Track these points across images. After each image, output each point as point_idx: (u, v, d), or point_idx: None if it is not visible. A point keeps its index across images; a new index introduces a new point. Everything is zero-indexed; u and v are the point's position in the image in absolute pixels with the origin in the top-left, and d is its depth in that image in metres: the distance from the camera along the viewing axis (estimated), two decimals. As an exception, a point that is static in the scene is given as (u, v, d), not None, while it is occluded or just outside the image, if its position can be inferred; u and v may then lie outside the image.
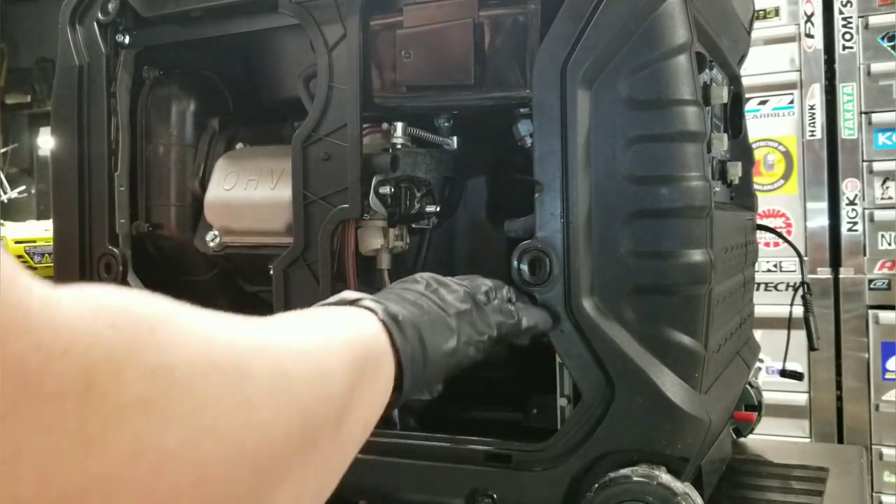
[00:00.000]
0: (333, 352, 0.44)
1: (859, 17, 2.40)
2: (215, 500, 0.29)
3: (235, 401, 0.32)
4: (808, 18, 2.46)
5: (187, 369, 0.29)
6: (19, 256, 3.56)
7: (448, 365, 0.63)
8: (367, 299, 0.57)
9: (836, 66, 2.44)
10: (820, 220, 2.46)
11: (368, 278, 0.89)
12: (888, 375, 2.36)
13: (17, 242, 3.59)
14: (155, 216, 1.02)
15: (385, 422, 0.53)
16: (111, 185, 0.99)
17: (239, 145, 1.03)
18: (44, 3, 4.61)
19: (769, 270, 2.42)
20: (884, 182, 2.40)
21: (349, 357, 0.46)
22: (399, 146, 0.89)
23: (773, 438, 1.45)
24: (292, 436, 0.36)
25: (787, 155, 2.51)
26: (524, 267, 0.78)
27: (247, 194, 0.94)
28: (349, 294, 0.58)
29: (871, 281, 2.38)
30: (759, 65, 2.39)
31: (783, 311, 1.23)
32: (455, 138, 0.97)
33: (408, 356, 0.56)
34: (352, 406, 0.44)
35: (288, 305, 0.87)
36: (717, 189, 0.95)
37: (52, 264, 1.03)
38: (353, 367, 0.46)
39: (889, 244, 2.39)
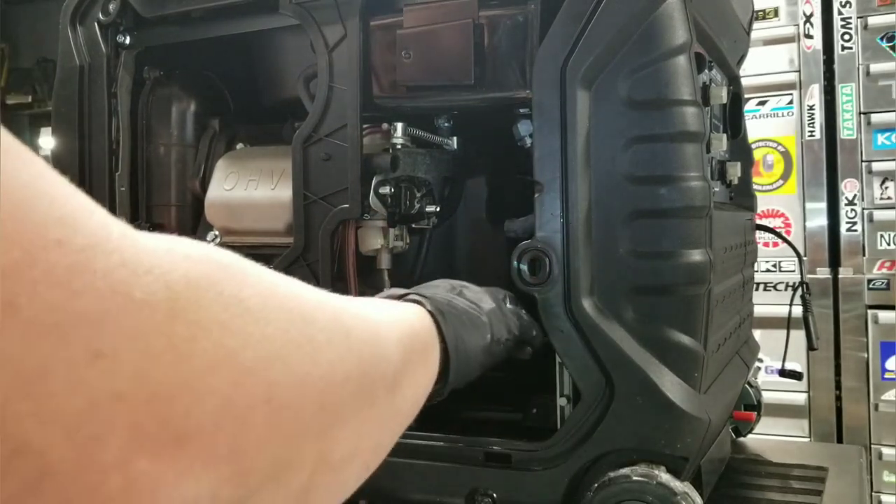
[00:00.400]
0: (385, 325, 0.47)
1: (858, 17, 2.41)
2: (282, 422, 0.31)
3: (301, 336, 0.34)
4: (808, 19, 2.46)
5: (258, 303, 0.31)
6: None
7: (482, 361, 0.67)
8: (415, 294, 0.61)
9: (836, 66, 2.44)
10: (819, 220, 2.46)
11: (368, 278, 0.89)
12: (887, 375, 2.36)
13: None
14: (156, 216, 1.02)
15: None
16: (112, 186, 0.99)
17: (239, 145, 1.03)
18: (44, 4, 4.60)
19: (768, 270, 2.42)
20: (883, 182, 2.40)
21: (399, 335, 0.48)
22: (399, 146, 0.89)
23: (772, 438, 1.45)
24: (351, 381, 0.38)
25: (786, 155, 2.51)
26: (524, 267, 0.78)
27: (247, 194, 0.94)
28: (397, 290, 0.62)
29: (870, 281, 2.39)
30: (758, 65, 2.40)
31: (782, 310, 1.24)
32: (455, 138, 0.97)
33: (453, 348, 0.59)
34: (404, 377, 0.46)
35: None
36: (717, 189, 0.95)
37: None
38: (403, 343, 0.48)
39: (888, 244, 2.39)
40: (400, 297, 0.60)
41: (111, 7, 0.98)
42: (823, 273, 2.43)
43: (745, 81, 1.20)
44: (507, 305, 0.76)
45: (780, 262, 2.43)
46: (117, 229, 0.27)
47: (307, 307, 0.36)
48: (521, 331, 0.75)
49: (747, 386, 1.20)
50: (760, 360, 1.25)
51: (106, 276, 0.25)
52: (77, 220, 0.25)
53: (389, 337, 0.46)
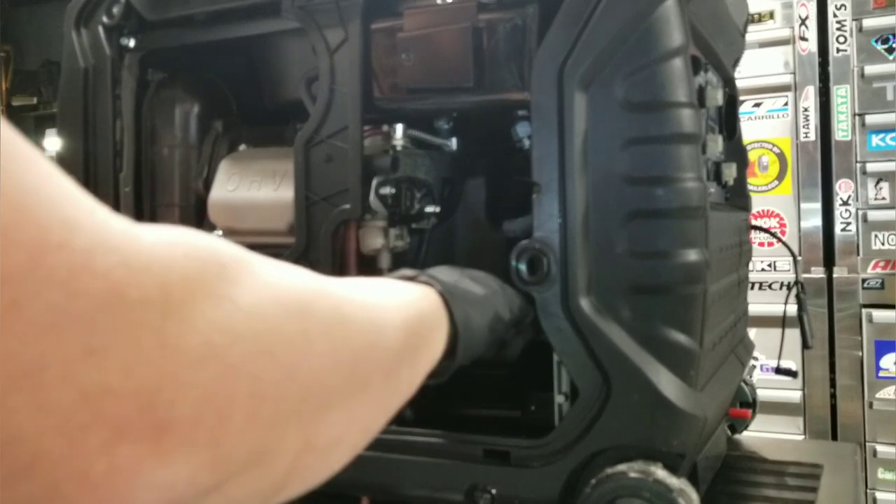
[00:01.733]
0: (390, 311, 0.49)
1: (853, 19, 2.42)
2: (264, 413, 0.33)
3: (294, 331, 0.36)
4: (803, 21, 2.48)
5: (252, 301, 0.33)
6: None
7: (488, 338, 0.70)
8: (425, 275, 0.63)
9: (830, 68, 2.45)
10: (814, 221, 2.48)
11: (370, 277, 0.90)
12: (882, 373, 2.38)
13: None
14: (159, 216, 1.03)
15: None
16: (116, 186, 0.99)
17: (242, 147, 1.04)
18: (49, 6, 4.61)
19: (764, 270, 2.44)
20: (877, 183, 2.42)
21: (403, 318, 0.51)
22: (399, 148, 0.90)
23: (767, 435, 1.46)
24: (342, 371, 0.39)
25: (781, 156, 2.53)
26: (522, 266, 0.79)
27: (250, 195, 0.95)
28: (408, 271, 0.64)
29: (864, 280, 2.40)
30: (753, 67, 2.41)
31: (777, 309, 1.25)
32: (454, 140, 0.98)
33: (462, 327, 0.62)
34: (404, 360, 0.49)
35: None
36: (713, 190, 0.96)
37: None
38: (406, 327, 0.50)
39: (882, 244, 2.41)
40: (411, 279, 0.63)
41: (115, 10, 0.98)
42: (818, 273, 2.44)
43: (740, 83, 1.21)
44: (508, 289, 0.78)
45: (775, 261, 2.45)
46: (118, 227, 0.29)
47: (306, 299, 0.37)
48: (521, 310, 0.78)
49: (743, 384, 1.21)
50: (756, 359, 1.26)
51: (104, 276, 0.27)
52: (78, 222, 0.27)
53: (392, 323, 0.48)
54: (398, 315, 0.50)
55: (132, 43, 1.00)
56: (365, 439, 0.45)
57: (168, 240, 0.31)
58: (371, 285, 0.52)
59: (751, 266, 1.23)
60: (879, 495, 2.35)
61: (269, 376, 0.33)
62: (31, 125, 5.03)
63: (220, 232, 0.99)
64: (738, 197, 1.17)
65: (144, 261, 0.28)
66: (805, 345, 1.20)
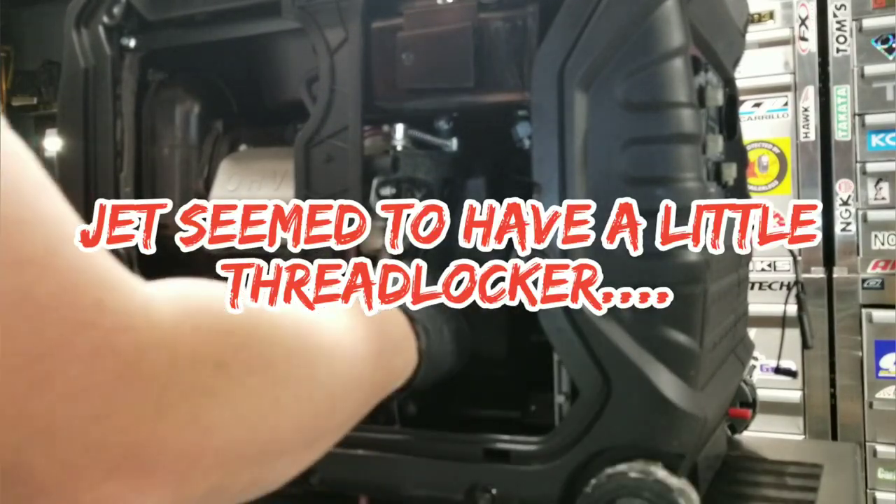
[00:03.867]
0: (364, 356, 0.55)
1: (853, 19, 2.42)
2: (226, 465, 0.39)
3: (267, 404, 0.42)
4: (803, 22, 2.48)
5: (244, 368, 0.40)
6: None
7: (442, 370, 0.77)
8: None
9: (830, 68, 2.46)
10: (814, 221, 2.48)
11: (370, 277, 0.90)
12: (882, 373, 2.38)
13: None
14: (160, 216, 1.03)
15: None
16: (117, 186, 1.00)
17: (242, 147, 1.04)
18: (49, 7, 4.61)
19: (763, 270, 2.44)
20: (877, 183, 2.42)
21: (373, 352, 0.57)
22: (399, 148, 0.90)
23: (767, 435, 1.46)
24: (303, 430, 0.46)
25: (781, 156, 2.53)
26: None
27: (250, 195, 0.95)
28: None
29: (864, 280, 2.41)
30: (753, 67, 2.41)
31: (777, 309, 1.25)
32: (455, 140, 0.98)
33: (424, 356, 0.70)
34: (365, 404, 0.56)
35: (291, 304, 0.89)
36: (712, 190, 0.96)
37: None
38: (376, 362, 0.58)
39: (882, 244, 2.41)
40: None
41: (115, 10, 0.98)
42: (818, 272, 2.44)
43: (740, 83, 1.21)
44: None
45: (775, 261, 2.45)
46: (139, 303, 0.34)
47: (280, 368, 0.43)
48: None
49: (743, 384, 1.21)
50: (756, 359, 1.26)
51: (120, 355, 0.32)
52: (106, 303, 0.32)
53: (364, 368, 0.54)
54: (370, 358, 0.56)
55: (133, 43, 1.00)
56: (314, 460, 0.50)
57: (179, 311, 0.36)
58: (353, 329, 0.57)
59: (751, 266, 1.23)
60: (879, 495, 2.35)
61: (237, 436, 0.39)
62: (31, 125, 5.04)
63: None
64: (737, 197, 1.17)
65: (156, 339, 0.34)
66: (805, 345, 1.20)
